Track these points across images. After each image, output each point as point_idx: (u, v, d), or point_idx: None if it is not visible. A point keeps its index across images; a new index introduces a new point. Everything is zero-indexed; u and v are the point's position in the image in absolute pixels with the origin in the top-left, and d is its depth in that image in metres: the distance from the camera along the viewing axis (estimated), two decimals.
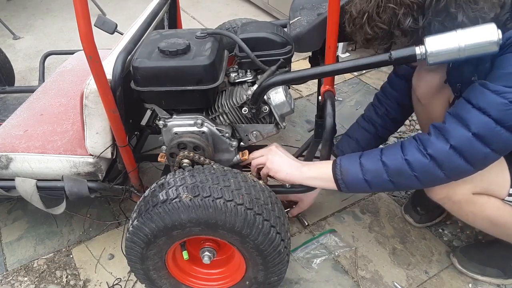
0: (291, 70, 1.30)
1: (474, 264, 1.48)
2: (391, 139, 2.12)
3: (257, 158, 1.38)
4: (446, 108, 1.40)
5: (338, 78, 2.51)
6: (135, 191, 1.48)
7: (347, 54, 2.82)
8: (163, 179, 1.23)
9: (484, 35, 0.97)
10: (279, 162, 1.33)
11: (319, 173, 1.28)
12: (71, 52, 2.13)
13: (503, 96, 1.00)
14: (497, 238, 1.51)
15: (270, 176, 1.36)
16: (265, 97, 1.29)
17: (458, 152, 1.06)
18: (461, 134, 1.05)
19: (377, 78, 2.57)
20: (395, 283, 1.49)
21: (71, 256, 1.65)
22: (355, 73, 2.60)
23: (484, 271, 1.47)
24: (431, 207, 1.65)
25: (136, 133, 1.63)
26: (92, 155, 1.41)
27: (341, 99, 2.40)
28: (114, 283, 1.54)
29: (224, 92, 1.37)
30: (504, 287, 1.46)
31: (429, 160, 1.09)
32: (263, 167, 1.36)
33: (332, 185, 1.25)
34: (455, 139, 1.06)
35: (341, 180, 1.22)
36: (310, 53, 1.68)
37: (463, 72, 1.18)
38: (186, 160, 1.31)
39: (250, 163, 1.42)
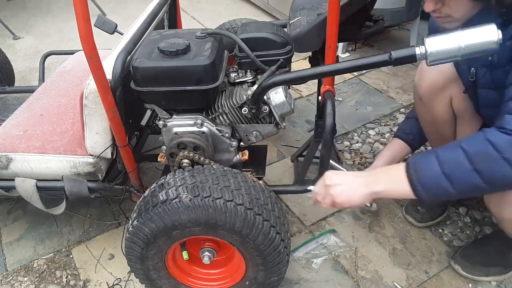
0: (291, 70, 1.30)
1: (478, 267, 1.48)
2: None
3: (321, 200, 1.20)
4: (449, 106, 1.41)
5: (338, 78, 2.51)
6: (135, 191, 1.48)
7: (347, 54, 2.82)
8: (163, 179, 1.23)
9: (484, 35, 0.97)
10: (345, 193, 1.14)
11: (389, 179, 1.11)
12: (71, 52, 2.14)
13: None
14: (492, 234, 1.53)
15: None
16: (265, 97, 1.29)
17: None
18: None
19: (377, 78, 2.57)
20: (395, 283, 1.49)
21: (71, 256, 1.65)
22: (355, 73, 2.60)
23: (488, 272, 1.47)
24: (431, 206, 1.65)
25: (136, 133, 1.63)
26: (92, 155, 1.41)
27: (341, 99, 2.40)
28: (114, 283, 1.54)
29: (224, 92, 1.37)
30: (504, 287, 1.46)
31: None
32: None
33: (405, 190, 1.05)
34: None
35: (416, 180, 1.03)
36: (310, 53, 1.68)
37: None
38: (186, 160, 1.32)
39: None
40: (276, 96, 1.31)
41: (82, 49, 1.11)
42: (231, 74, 1.37)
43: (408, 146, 1.58)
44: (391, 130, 2.17)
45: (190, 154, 1.31)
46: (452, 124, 1.46)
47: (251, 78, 1.35)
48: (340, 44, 2.74)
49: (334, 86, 1.34)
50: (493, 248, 1.48)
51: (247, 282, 1.33)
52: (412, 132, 1.59)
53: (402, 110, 2.30)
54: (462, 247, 1.56)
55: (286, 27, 1.55)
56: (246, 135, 1.39)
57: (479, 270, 1.47)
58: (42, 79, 2.09)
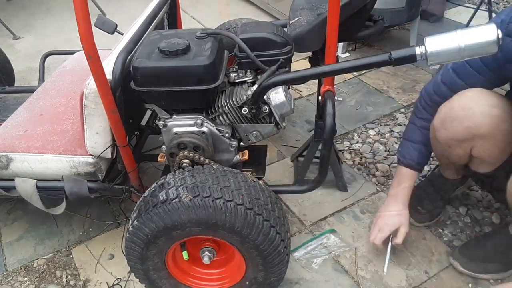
0: (291, 70, 1.30)
1: (476, 263, 1.47)
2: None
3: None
4: (468, 152, 1.34)
5: (338, 78, 2.51)
6: (135, 191, 1.48)
7: (347, 54, 2.82)
8: (163, 179, 1.23)
9: (484, 35, 0.97)
10: None
11: None
12: (71, 52, 2.13)
13: None
14: (493, 232, 1.54)
15: None
16: (265, 97, 1.29)
17: None
18: None
19: (377, 78, 2.57)
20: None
21: (71, 256, 1.65)
22: (355, 73, 2.60)
23: (487, 268, 1.47)
24: (431, 207, 1.65)
25: (136, 133, 1.63)
26: (92, 155, 1.40)
27: (341, 99, 2.40)
28: (114, 283, 1.54)
29: (224, 92, 1.37)
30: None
31: None
32: None
33: None
34: None
35: None
36: (310, 53, 1.68)
37: None
38: (186, 160, 1.32)
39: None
40: (276, 96, 1.31)
41: (82, 49, 1.11)
42: (231, 74, 1.37)
43: (417, 172, 1.53)
44: (391, 130, 2.17)
45: (190, 154, 1.31)
46: (466, 159, 1.42)
47: (251, 78, 1.35)
48: (340, 44, 2.74)
49: (334, 86, 1.34)
50: (493, 245, 1.48)
51: (247, 282, 1.33)
52: (420, 161, 1.51)
53: (402, 110, 2.30)
54: (461, 244, 1.57)
55: (286, 27, 1.55)
56: (246, 135, 1.39)
57: (477, 266, 1.47)
58: (42, 79, 2.09)
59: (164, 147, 1.40)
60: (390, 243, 1.52)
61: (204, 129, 1.33)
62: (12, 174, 1.47)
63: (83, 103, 1.28)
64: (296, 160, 1.96)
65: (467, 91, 1.29)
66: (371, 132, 2.17)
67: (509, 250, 1.46)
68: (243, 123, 1.36)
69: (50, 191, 1.46)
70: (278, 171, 1.97)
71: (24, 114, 1.68)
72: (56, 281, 1.57)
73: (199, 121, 1.32)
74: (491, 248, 1.48)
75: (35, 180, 1.45)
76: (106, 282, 1.55)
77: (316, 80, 1.88)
